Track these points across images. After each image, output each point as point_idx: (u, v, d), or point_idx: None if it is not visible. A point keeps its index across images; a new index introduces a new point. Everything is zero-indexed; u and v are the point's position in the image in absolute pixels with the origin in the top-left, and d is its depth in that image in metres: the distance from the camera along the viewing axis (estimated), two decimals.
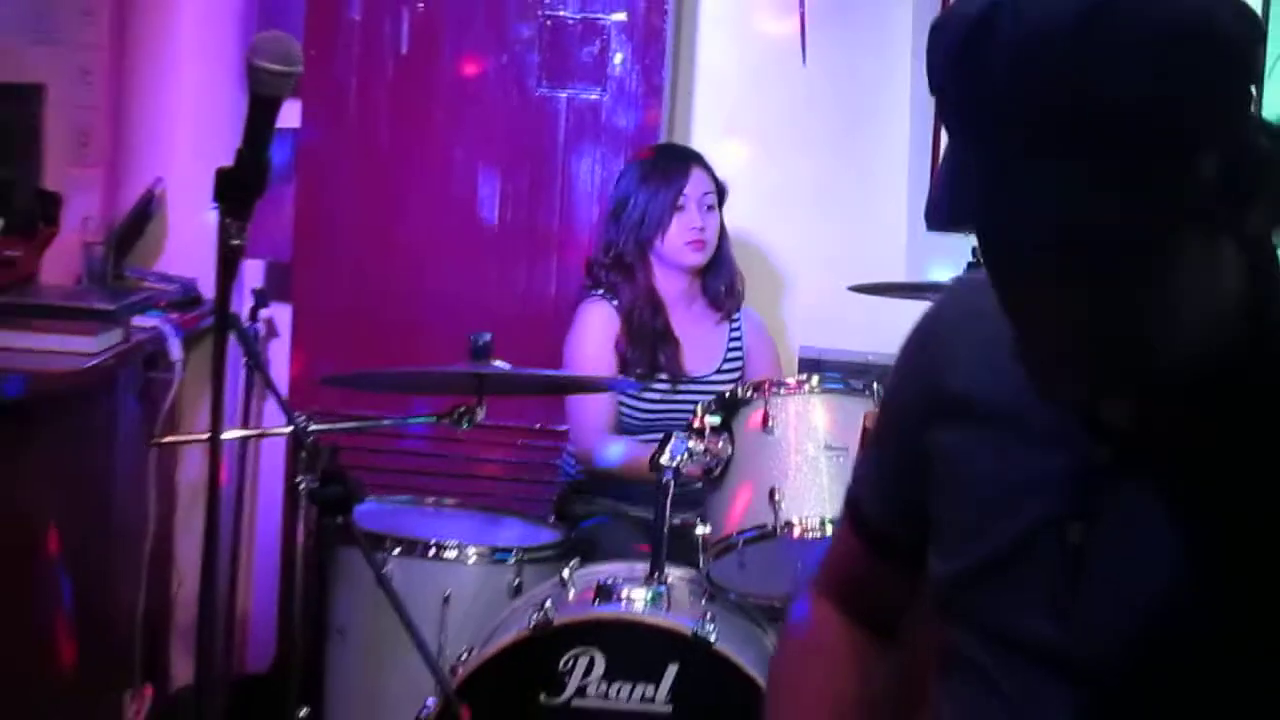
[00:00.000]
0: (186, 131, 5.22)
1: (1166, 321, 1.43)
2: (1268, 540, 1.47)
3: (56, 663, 4.24)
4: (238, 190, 2.16)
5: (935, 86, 1.44)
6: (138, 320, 4.49)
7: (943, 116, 1.44)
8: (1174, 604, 1.51)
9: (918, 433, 1.76)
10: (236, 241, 2.18)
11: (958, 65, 1.40)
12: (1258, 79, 1.43)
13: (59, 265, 4.93)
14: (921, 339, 1.80)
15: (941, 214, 1.43)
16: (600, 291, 4.41)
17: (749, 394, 3.81)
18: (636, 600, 3.58)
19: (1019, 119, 1.35)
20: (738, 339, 4.68)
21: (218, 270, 2.20)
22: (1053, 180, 1.34)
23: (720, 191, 4.54)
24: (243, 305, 4.82)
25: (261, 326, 4.42)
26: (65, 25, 5.13)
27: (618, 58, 4.91)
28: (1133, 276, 1.40)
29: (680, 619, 3.52)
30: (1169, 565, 1.51)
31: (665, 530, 3.66)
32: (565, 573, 3.78)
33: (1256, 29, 1.41)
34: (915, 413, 1.77)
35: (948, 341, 1.75)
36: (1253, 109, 1.43)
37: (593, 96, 4.93)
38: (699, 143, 4.97)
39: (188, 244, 5.14)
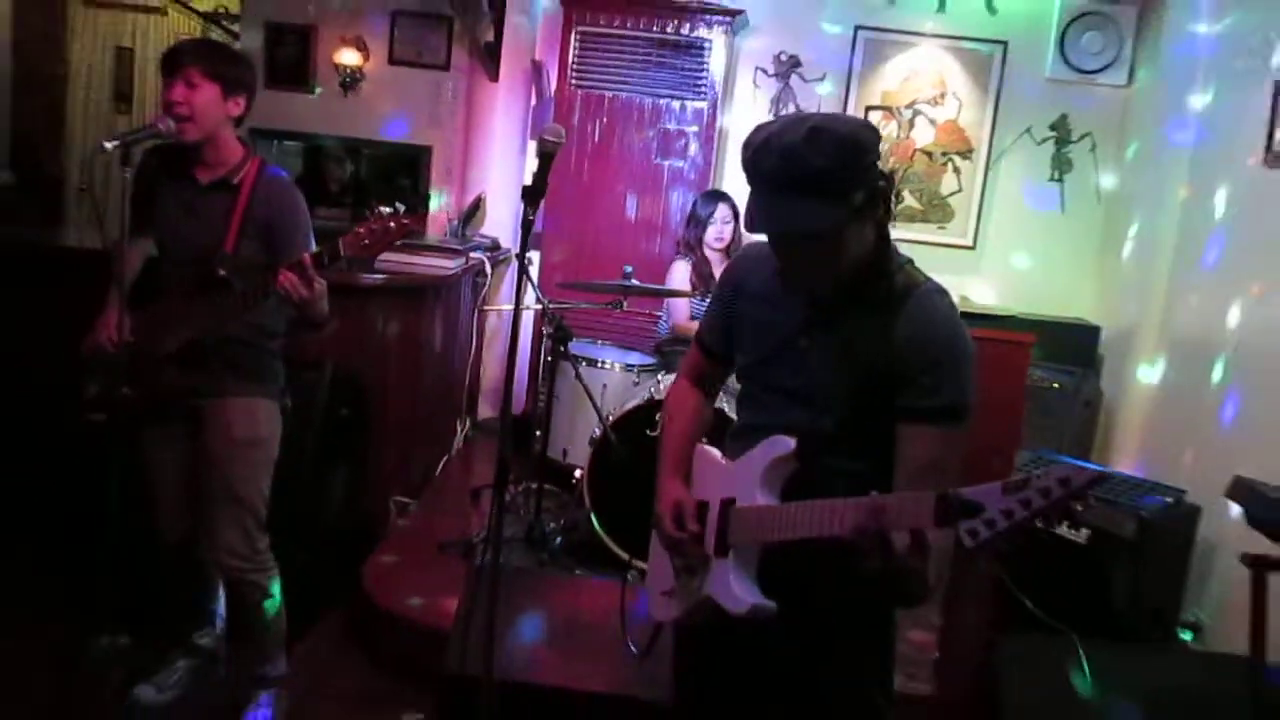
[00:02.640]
0: (496, 170, 5.24)
1: (836, 268, 1.54)
2: (871, 356, 1.54)
3: (432, 405, 4.38)
4: (532, 195, 2.15)
5: (745, 169, 1.54)
6: (472, 254, 4.55)
7: (749, 181, 1.54)
8: (840, 373, 1.58)
9: (730, 304, 1.77)
10: (530, 218, 2.22)
11: (752, 162, 1.52)
12: (878, 157, 1.52)
13: (438, 230, 5.06)
14: (736, 261, 1.81)
15: (747, 224, 1.53)
16: (681, 255, 4.33)
17: None
18: None
19: (779, 181, 1.48)
20: None
21: (521, 231, 2.18)
22: (789, 207, 1.48)
23: (736, 214, 4.28)
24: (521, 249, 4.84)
25: (530, 259, 4.45)
26: (444, 117, 5.17)
27: (692, 147, 4.79)
28: (821, 249, 1.52)
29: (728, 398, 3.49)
30: (839, 358, 1.58)
31: None
32: (659, 377, 3.80)
33: (876, 136, 1.52)
34: (730, 294, 1.78)
35: (749, 262, 1.76)
36: (880, 167, 1.53)
37: (680, 164, 4.81)
38: (728, 187, 4.78)
39: (496, 221, 5.20)
